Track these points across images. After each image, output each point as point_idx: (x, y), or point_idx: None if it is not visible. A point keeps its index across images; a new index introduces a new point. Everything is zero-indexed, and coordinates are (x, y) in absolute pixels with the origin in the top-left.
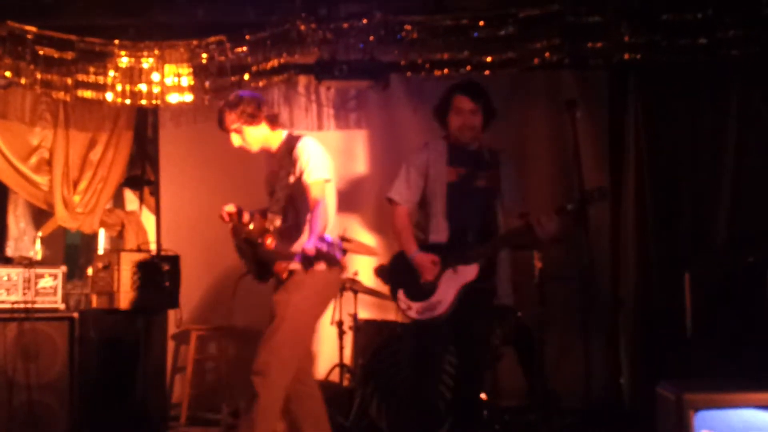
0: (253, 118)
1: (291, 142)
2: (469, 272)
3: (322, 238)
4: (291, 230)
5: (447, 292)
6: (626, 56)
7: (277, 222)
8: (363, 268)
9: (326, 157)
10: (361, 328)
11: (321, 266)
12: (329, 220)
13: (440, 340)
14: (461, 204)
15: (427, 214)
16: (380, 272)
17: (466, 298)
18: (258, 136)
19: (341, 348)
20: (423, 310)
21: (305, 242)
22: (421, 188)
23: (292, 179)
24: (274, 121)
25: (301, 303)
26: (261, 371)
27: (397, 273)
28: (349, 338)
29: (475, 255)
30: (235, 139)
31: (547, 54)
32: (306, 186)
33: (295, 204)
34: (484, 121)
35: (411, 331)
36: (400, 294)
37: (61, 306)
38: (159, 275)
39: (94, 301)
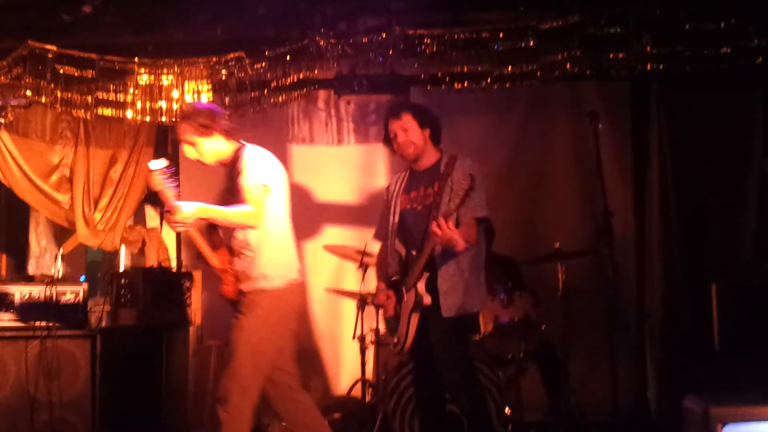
0: (206, 130)
1: (237, 152)
2: (410, 298)
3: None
4: (241, 247)
5: (402, 324)
6: (648, 67)
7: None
8: None
9: (270, 164)
10: (383, 342)
11: (273, 284)
12: (254, 226)
13: (422, 370)
14: (410, 230)
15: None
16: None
17: (420, 324)
18: (212, 149)
19: (363, 363)
20: (394, 345)
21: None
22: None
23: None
24: (230, 134)
25: (254, 325)
26: (222, 398)
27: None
28: (371, 353)
29: (412, 280)
30: (189, 151)
31: (568, 65)
32: (240, 189)
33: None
34: (422, 130)
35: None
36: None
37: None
38: (180, 291)
39: (118, 318)
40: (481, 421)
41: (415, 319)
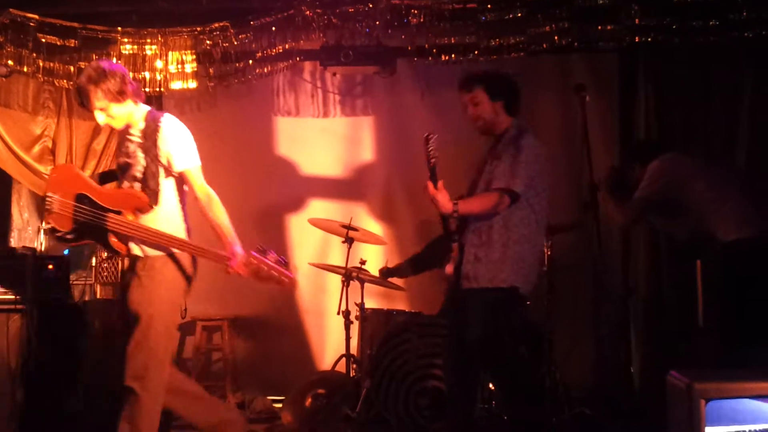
0: (118, 95)
1: (151, 121)
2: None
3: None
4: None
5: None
6: (637, 39)
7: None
8: (370, 257)
9: (190, 137)
10: (368, 317)
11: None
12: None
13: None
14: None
15: None
16: (385, 274)
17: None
18: (123, 113)
19: (348, 338)
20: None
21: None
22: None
23: (149, 160)
24: (138, 95)
25: (164, 296)
26: (140, 375)
27: None
28: (355, 328)
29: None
30: (101, 118)
31: (556, 37)
32: (183, 175)
33: (148, 185)
34: (494, 103)
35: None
36: None
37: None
38: None
39: (99, 292)
40: (519, 395)
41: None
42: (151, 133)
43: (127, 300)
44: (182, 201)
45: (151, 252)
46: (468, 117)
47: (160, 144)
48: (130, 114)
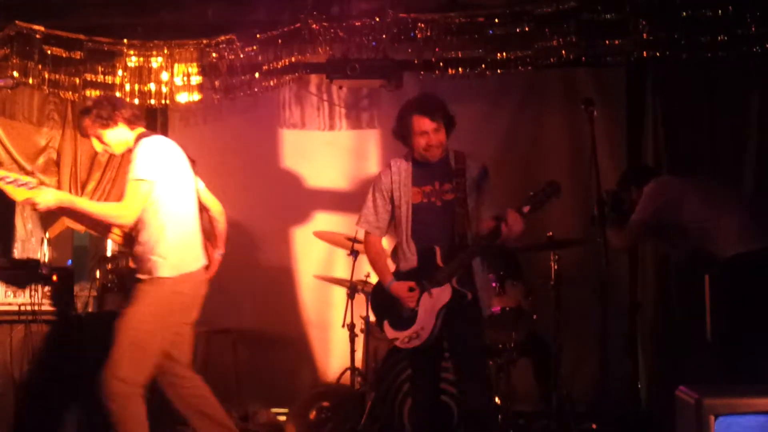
0: (108, 121)
1: (137, 141)
2: (443, 294)
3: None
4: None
5: (427, 319)
6: (644, 54)
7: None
8: None
9: (160, 157)
10: (373, 331)
11: (164, 273)
12: (125, 223)
13: (431, 363)
14: (428, 224)
15: (397, 241)
16: None
17: (450, 316)
18: (117, 139)
19: (353, 351)
20: (408, 339)
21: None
22: (389, 213)
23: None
24: (132, 121)
25: (140, 315)
26: (108, 393)
27: (379, 304)
28: (360, 341)
29: (446, 275)
30: (96, 145)
31: (563, 52)
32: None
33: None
34: (447, 132)
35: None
36: (386, 325)
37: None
38: None
39: (102, 304)
40: (483, 413)
41: (442, 314)
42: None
43: None
44: (169, 214)
45: (143, 275)
46: (424, 144)
47: (131, 160)
48: (127, 140)
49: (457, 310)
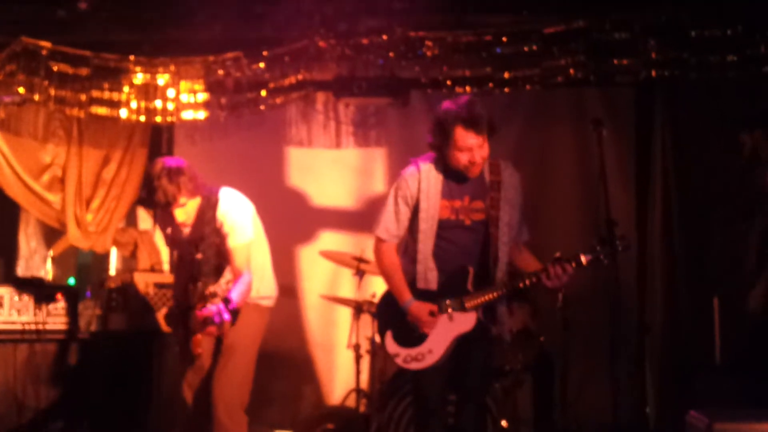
0: (196, 190)
1: (212, 198)
2: (466, 321)
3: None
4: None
5: (439, 342)
6: (653, 73)
7: (212, 287)
8: (380, 290)
9: (246, 211)
10: (378, 351)
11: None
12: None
13: (435, 388)
14: (453, 242)
15: (412, 257)
16: None
17: (463, 340)
18: (194, 207)
19: (358, 372)
20: (410, 359)
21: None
22: (409, 221)
23: (217, 239)
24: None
25: (252, 337)
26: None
27: (387, 313)
28: (365, 362)
29: (471, 302)
30: (181, 215)
31: (571, 71)
32: (230, 250)
33: (221, 266)
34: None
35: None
36: (389, 337)
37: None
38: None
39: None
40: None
41: (456, 342)
42: (208, 212)
43: None
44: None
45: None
46: (468, 161)
47: (220, 225)
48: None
49: (470, 334)
